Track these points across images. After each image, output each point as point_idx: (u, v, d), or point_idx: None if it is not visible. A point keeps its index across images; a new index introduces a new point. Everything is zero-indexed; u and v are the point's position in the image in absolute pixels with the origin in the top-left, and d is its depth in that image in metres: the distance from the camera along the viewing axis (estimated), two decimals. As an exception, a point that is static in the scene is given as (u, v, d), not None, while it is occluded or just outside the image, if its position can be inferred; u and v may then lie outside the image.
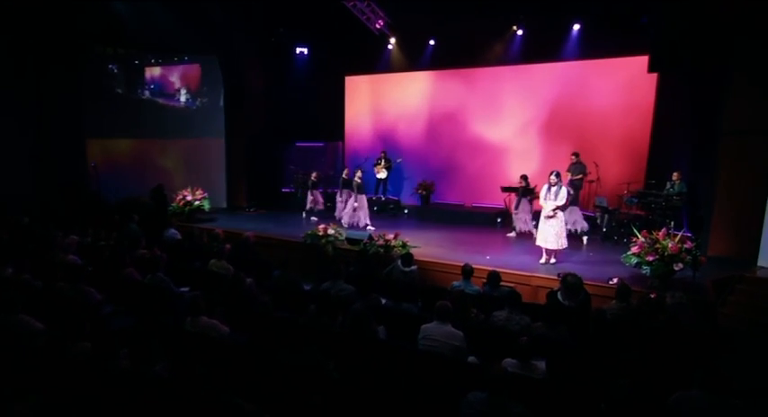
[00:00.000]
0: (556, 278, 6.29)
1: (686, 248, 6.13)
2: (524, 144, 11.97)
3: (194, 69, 13.82)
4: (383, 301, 5.89)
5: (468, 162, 12.61)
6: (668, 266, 6.10)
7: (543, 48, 11.10)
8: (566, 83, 11.28)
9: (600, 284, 6.46)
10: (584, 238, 9.38)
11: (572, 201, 9.52)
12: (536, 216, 10.12)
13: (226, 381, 3.76)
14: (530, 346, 3.91)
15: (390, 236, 8.20)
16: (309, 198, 11.75)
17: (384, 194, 13.07)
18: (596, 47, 10.44)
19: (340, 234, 8.79)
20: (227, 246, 7.99)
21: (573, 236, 9.28)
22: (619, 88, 10.56)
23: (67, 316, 4.81)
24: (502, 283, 6.91)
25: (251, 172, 12.97)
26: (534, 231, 9.75)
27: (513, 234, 10.07)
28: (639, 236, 6.58)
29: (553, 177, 7.39)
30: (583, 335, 4.74)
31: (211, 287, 6.25)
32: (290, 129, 13.45)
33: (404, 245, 8.06)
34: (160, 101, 13.51)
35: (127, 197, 11.47)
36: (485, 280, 6.30)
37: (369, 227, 10.44)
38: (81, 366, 3.68)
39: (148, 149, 13.37)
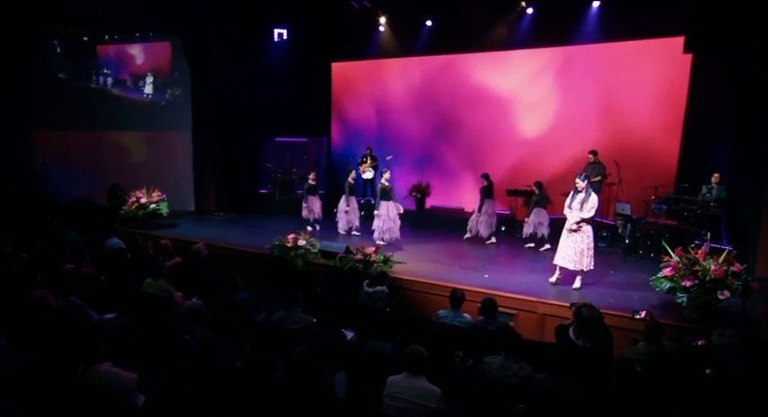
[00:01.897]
0: (568, 306, 5.33)
1: (733, 271, 5.16)
2: (533, 143, 11.07)
3: (163, 49, 12.49)
4: (350, 336, 4.98)
5: (474, 161, 11.68)
6: (711, 294, 5.14)
7: (557, 29, 10.17)
8: (582, 69, 10.38)
9: (622, 313, 5.50)
10: (546, 247, 8.81)
11: (541, 202, 9.03)
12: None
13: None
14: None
15: (370, 250, 7.28)
16: (304, 205, 10.13)
17: (373, 197, 12.16)
18: (619, 26, 9.48)
19: (313, 245, 7.88)
20: (176, 260, 7.18)
21: (531, 240, 9.03)
22: (645, 75, 9.64)
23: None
24: (501, 309, 6.05)
25: (222, 170, 12.05)
26: (492, 237, 9.22)
27: (468, 235, 9.52)
28: (673, 255, 5.61)
29: (578, 181, 6.43)
30: (602, 391, 3.81)
31: (144, 313, 5.39)
32: (268, 122, 12.54)
33: (386, 261, 7.14)
34: (116, 92, 12.28)
35: (76, 197, 10.63)
36: (479, 306, 5.37)
37: (354, 232, 9.73)
38: None
39: (109, 142, 12.35)
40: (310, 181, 10.14)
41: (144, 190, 9.69)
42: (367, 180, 12.23)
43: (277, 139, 13.20)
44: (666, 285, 5.51)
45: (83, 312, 5.11)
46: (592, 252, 6.44)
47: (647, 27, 9.08)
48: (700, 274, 5.22)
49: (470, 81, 11.64)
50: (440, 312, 5.37)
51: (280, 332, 4.87)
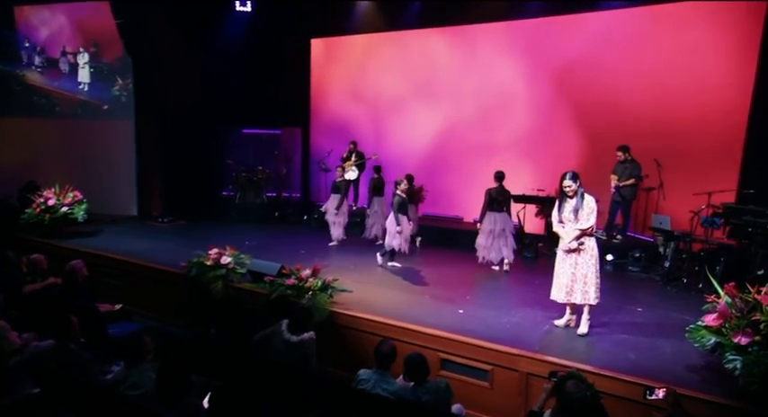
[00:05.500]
0: (555, 369, 3.85)
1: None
2: (545, 140, 9.70)
3: (103, 12, 10.40)
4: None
5: (469, 163, 10.40)
6: (779, 358, 3.60)
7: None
8: (606, 42, 8.93)
9: (641, 381, 3.97)
10: (417, 240, 8.90)
11: (402, 202, 7.30)
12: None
13: None
14: None
15: (307, 272, 5.95)
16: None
17: (356, 201, 10.90)
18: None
19: (242, 263, 6.59)
20: (51, 281, 6.06)
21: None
22: (692, 45, 8.17)
23: None
24: (472, 363, 4.67)
25: (171, 168, 10.90)
26: (403, 245, 7.29)
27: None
28: (721, 293, 4.08)
29: (567, 182, 4.94)
30: None
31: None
32: (231, 111, 11.37)
33: (325, 287, 5.79)
34: (33, 78, 10.83)
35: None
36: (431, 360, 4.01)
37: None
38: None
39: (32, 131, 11.39)
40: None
41: (55, 190, 8.60)
42: (350, 181, 10.94)
43: (245, 131, 12.08)
44: (710, 340, 3.98)
45: None
46: (598, 280, 4.95)
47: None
48: (762, 327, 3.69)
49: (481, 59, 10.31)
50: (360, 373, 4.01)
51: (108, 403, 3.59)
